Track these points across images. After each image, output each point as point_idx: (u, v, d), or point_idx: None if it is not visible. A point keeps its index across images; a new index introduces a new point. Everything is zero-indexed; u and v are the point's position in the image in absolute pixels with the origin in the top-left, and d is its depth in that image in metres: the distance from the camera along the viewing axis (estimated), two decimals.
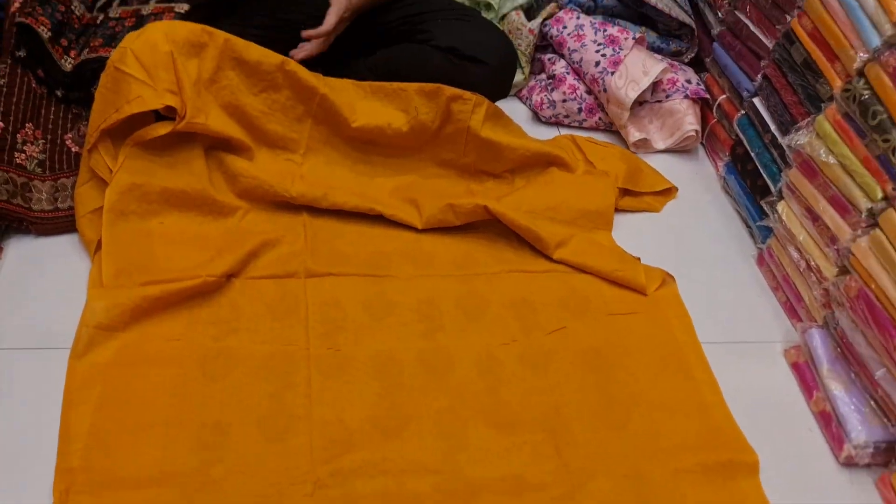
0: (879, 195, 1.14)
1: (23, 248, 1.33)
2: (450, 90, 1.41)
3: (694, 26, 1.80)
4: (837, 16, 1.26)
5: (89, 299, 1.19)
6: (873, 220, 1.16)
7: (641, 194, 1.57)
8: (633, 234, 1.49)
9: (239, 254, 1.26)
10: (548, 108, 1.74)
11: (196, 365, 1.13)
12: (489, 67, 1.48)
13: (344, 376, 1.15)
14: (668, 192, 1.60)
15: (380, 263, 1.33)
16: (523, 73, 1.81)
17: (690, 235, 1.53)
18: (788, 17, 1.41)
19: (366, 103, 1.43)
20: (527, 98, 1.80)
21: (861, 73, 1.19)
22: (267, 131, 1.40)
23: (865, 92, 1.17)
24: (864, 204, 1.16)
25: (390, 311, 1.25)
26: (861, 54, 1.19)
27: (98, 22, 1.47)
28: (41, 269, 1.29)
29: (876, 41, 1.16)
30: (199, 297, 1.21)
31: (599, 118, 1.74)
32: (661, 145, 1.71)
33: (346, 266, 1.31)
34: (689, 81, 1.74)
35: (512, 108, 1.78)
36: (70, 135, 1.41)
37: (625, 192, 1.55)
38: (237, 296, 1.23)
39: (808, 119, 1.33)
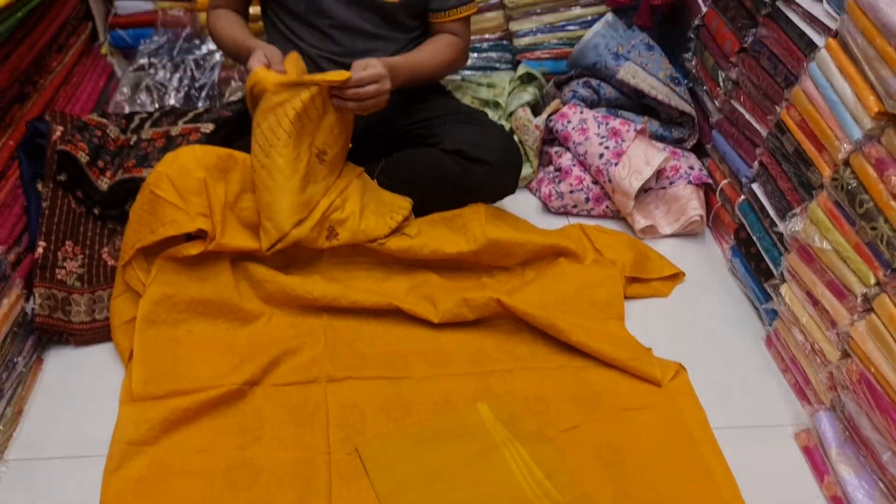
0: (872, 281, 1.18)
1: (62, 358, 1.41)
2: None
3: (694, 114, 1.88)
4: (821, 109, 1.32)
5: (120, 415, 1.26)
6: (868, 304, 1.19)
7: (649, 280, 1.62)
8: (642, 319, 1.54)
9: (261, 362, 1.33)
10: (556, 199, 1.82)
11: (222, 475, 1.19)
12: (493, 167, 1.56)
13: (363, 481, 1.19)
14: (676, 277, 1.65)
15: (397, 364, 1.39)
16: (532, 166, 1.89)
17: (700, 319, 1.57)
18: (778, 109, 1.47)
19: None
20: (536, 190, 1.88)
21: (847, 163, 1.25)
22: None
23: (852, 181, 1.23)
24: (859, 289, 1.20)
25: (408, 413, 1.30)
26: (845, 145, 1.25)
27: (131, 143, 1.59)
28: (79, 378, 1.38)
29: (857, 134, 1.22)
30: (224, 406, 1.28)
31: (607, 206, 1.81)
32: (667, 230, 1.76)
33: (364, 369, 1.37)
34: (691, 168, 1.81)
35: (522, 199, 1.86)
36: (106, 249, 1.52)
37: (633, 280, 1.60)
38: (261, 403, 1.30)
39: (803, 206, 1.38)
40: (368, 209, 1.50)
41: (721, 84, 1.74)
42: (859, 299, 1.20)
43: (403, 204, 1.55)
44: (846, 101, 1.25)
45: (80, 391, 1.35)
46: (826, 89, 1.31)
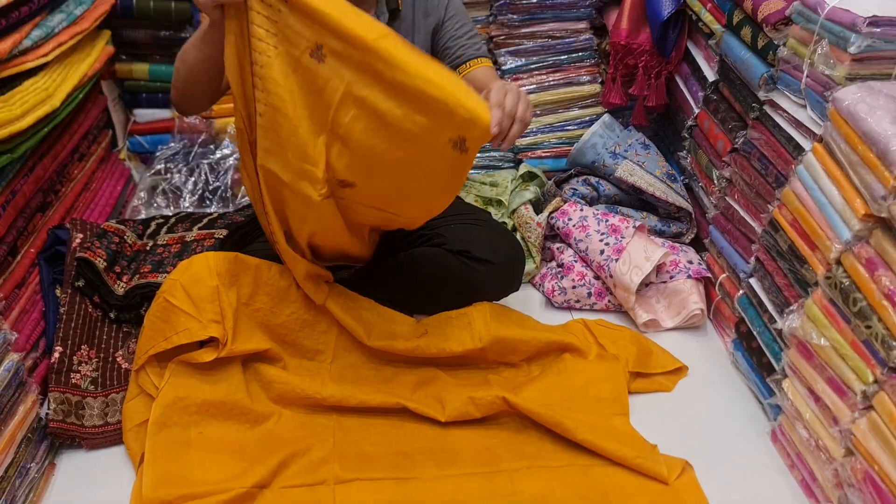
0: (870, 378, 1.20)
1: (74, 462, 1.42)
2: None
3: (691, 210, 1.94)
4: (811, 209, 1.37)
5: None
6: (868, 402, 1.21)
7: (653, 375, 1.64)
8: (647, 414, 1.55)
9: (270, 464, 1.35)
10: (559, 294, 1.86)
11: None
12: (497, 267, 1.61)
13: None
14: (679, 371, 1.67)
15: (404, 465, 1.39)
16: (534, 262, 1.94)
17: (704, 413, 1.58)
18: (771, 207, 1.53)
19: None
20: (539, 285, 1.92)
21: (839, 262, 1.29)
22: (297, 345, 1.53)
23: (845, 280, 1.26)
24: (858, 386, 1.22)
25: None
26: (836, 245, 1.29)
27: (148, 249, 1.64)
28: (91, 484, 1.38)
29: (847, 234, 1.26)
30: None
31: (609, 301, 1.84)
32: (669, 324, 1.79)
33: (372, 470, 1.38)
34: (690, 262, 1.85)
35: (526, 294, 1.89)
36: (121, 352, 1.55)
37: (637, 375, 1.63)
38: None
39: (799, 302, 1.41)
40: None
41: (716, 181, 1.80)
42: (859, 396, 1.22)
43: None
44: (834, 202, 1.30)
45: (91, 497, 1.36)
46: (814, 191, 1.36)
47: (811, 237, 1.37)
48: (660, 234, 1.97)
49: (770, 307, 1.53)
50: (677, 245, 1.93)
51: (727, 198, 1.76)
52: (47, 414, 1.39)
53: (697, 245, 1.97)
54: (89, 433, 1.43)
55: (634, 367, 1.62)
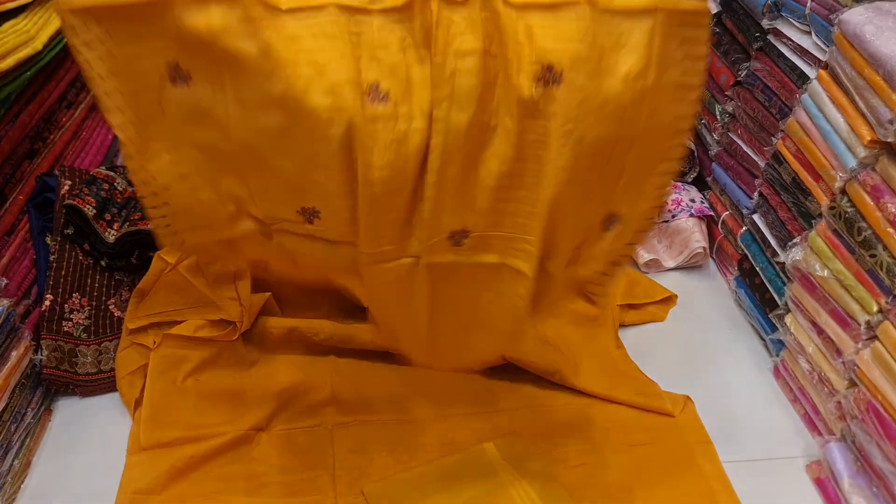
0: (874, 308, 1.17)
1: (70, 408, 1.42)
2: None
3: (694, 148, 1.89)
4: (816, 139, 1.33)
5: (127, 464, 1.26)
6: (872, 332, 1.19)
7: (643, 305, 1.63)
8: (650, 351, 1.54)
9: (267, 408, 1.34)
10: None
11: None
12: None
13: None
14: (669, 300, 1.65)
15: (402, 406, 1.39)
16: None
17: (707, 351, 1.56)
18: (774, 140, 1.49)
19: None
20: None
21: (843, 192, 1.26)
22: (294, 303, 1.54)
23: (849, 209, 1.23)
24: (862, 317, 1.20)
25: (414, 455, 1.30)
26: (840, 174, 1.25)
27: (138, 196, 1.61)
28: (87, 429, 1.38)
29: (852, 162, 1.23)
30: (231, 452, 1.28)
31: None
32: (671, 263, 1.76)
33: (370, 411, 1.37)
34: (693, 200, 1.81)
35: None
36: (113, 300, 1.53)
37: (628, 307, 1.62)
38: (267, 449, 1.30)
39: (803, 235, 1.38)
40: None
41: (718, 117, 1.75)
42: (863, 327, 1.20)
43: None
44: (839, 130, 1.27)
45: (88, 441, 1.36)
46: (819, 119, 1.32)
47: (815, 168, 1.34)
48: None
49: (773, 242, 1.50)
50: (679, 184, 1.89)
51: (730, 133, 1.71)
52: (41, 360, 1.38)
53: (700, 184, 1.92)
54: (83, 380, 1.42)
55: (623, 300, 1.60)
